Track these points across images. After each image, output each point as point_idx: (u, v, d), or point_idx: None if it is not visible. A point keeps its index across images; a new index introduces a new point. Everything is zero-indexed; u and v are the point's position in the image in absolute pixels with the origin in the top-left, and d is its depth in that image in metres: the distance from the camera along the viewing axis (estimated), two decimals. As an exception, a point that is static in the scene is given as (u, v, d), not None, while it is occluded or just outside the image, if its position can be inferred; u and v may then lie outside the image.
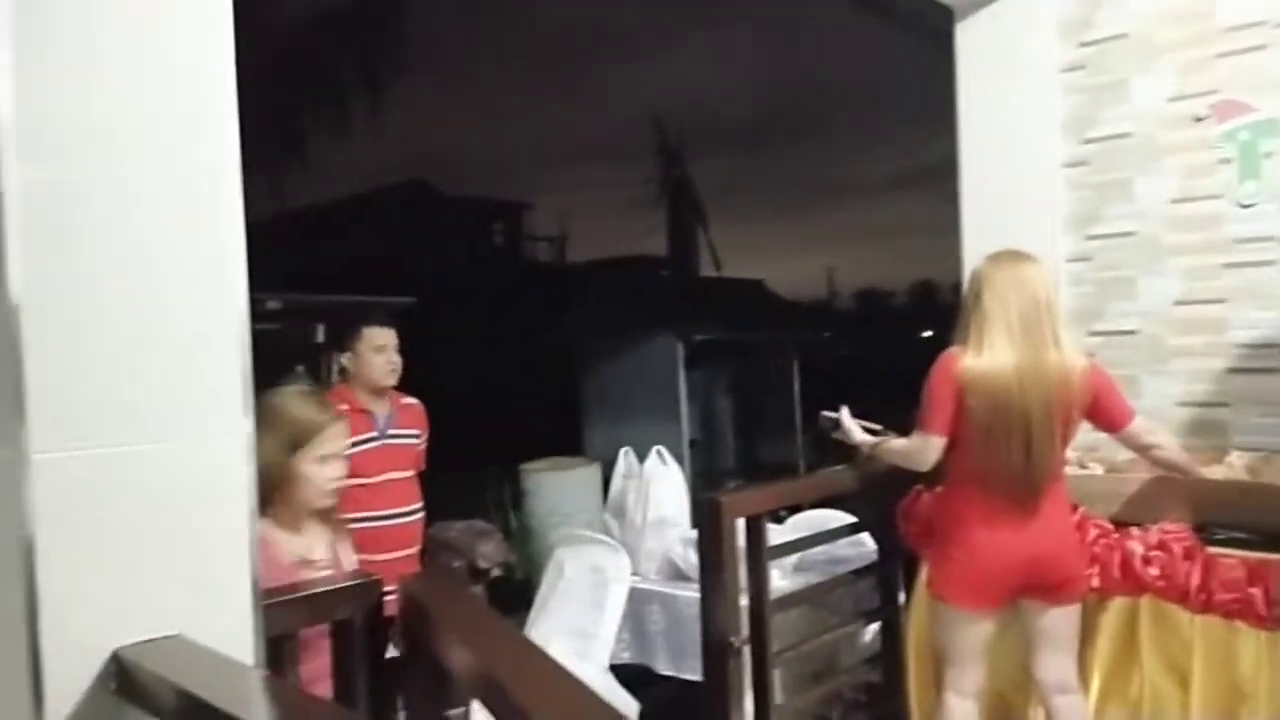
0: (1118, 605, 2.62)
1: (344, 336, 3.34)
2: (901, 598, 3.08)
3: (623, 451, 3.98)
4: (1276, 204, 2.99)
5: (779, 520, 3.49)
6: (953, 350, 2.53)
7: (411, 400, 3.44)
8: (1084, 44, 3.38)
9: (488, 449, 8.73)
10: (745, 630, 2.64)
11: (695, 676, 2.92)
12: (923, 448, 2.57)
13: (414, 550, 3.26)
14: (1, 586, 1.28)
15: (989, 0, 3.53)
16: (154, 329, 1.39)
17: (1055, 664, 2.56)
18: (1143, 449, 2.66)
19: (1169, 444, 2.68)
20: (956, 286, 3.09)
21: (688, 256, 22.54)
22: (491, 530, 4.03)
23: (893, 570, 3.08)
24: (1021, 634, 2.63)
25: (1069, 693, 2.56)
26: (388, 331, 3.32)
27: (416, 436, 3.41)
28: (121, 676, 1.32)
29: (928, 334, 17.33)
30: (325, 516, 2.11)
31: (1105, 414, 2.57)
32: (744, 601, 2.67)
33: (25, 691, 1.26)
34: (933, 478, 2.72)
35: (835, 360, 16.66)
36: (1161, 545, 2.52)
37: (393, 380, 3.30)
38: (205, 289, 1.44)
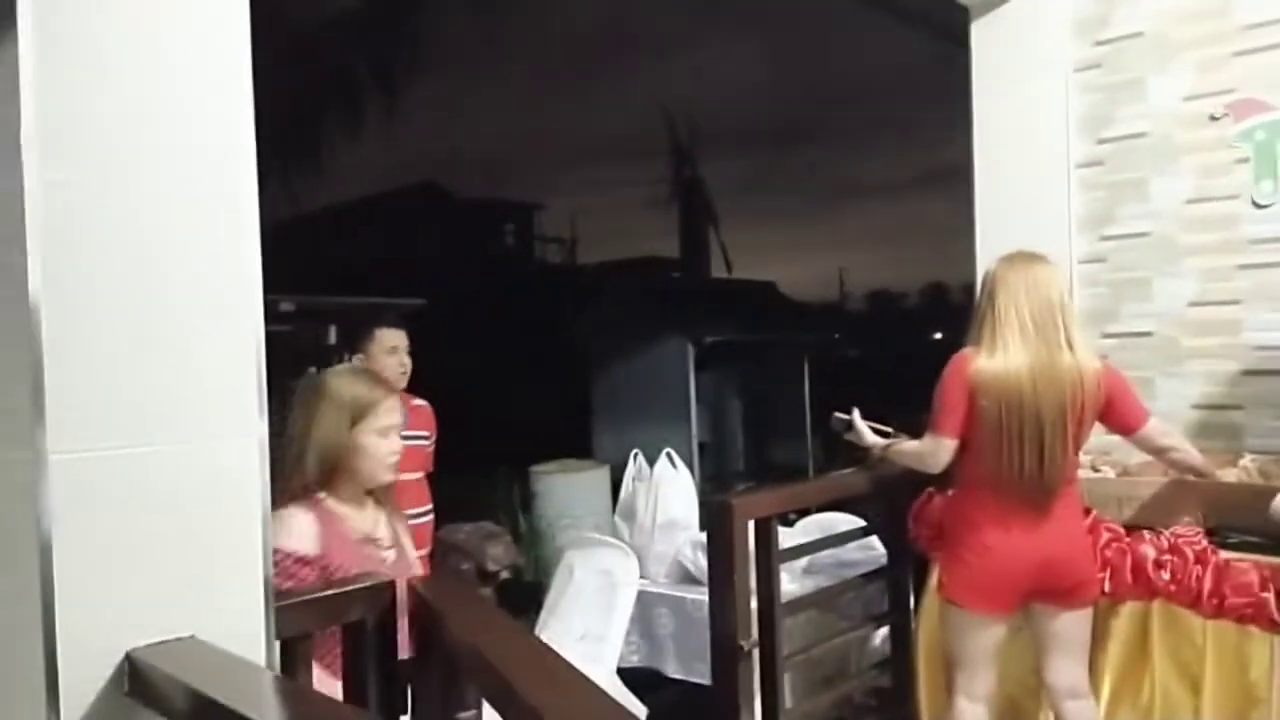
0: (1129, 610, 2.60)
1: (356, 338, 3.36)
2: (912, 602, 3.07)
3: (633, 454, 3.98)
4: (1292, 205, 2.97)
5: (788, 523, 3.48)
6: (965, 351, 2.52)
7: (421, 402, 3.45)
8: (1099, 43, 3.37)
9: (497, 451, 8.75)
10: (755, 634, 2.63)
11: (704, 680, 2.92)
12: (934, 450, 2.56)
13: (424, 552, 3.27)
14: (18, 587, 1.28)
15: None
16: (171, 330, 1.39)
17: (1066, 668, 2.55)
18: (1159, 451, 2.65)
19: (1185, 446, 2.66)
20: (969, 288, 3.08)
21: (699, 258, 22.51)
22: (500, 532, 4.03)
23: (903, 574, 3.07)
24: (1032, 638, 2.62)
25: (1080, 697, 2.55)
26: (399, 333, 3.34)
27: (426, 438, 3.42)
28: (134, 678, 1.33)
29: (938, 336, 17.29)
30: (383, 496, 2.14)
31: (1120, 416, 2.56)
32: (753, 605, 2.66)
33: (40, 692, 1.26)
34: (944, 480, 2.71)
35: (846, 362, 16.64)
36: (1174, 549, 2.50)
37: (403, 382, 3.31)
38: (222, 291, 1.44)
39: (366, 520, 2.07)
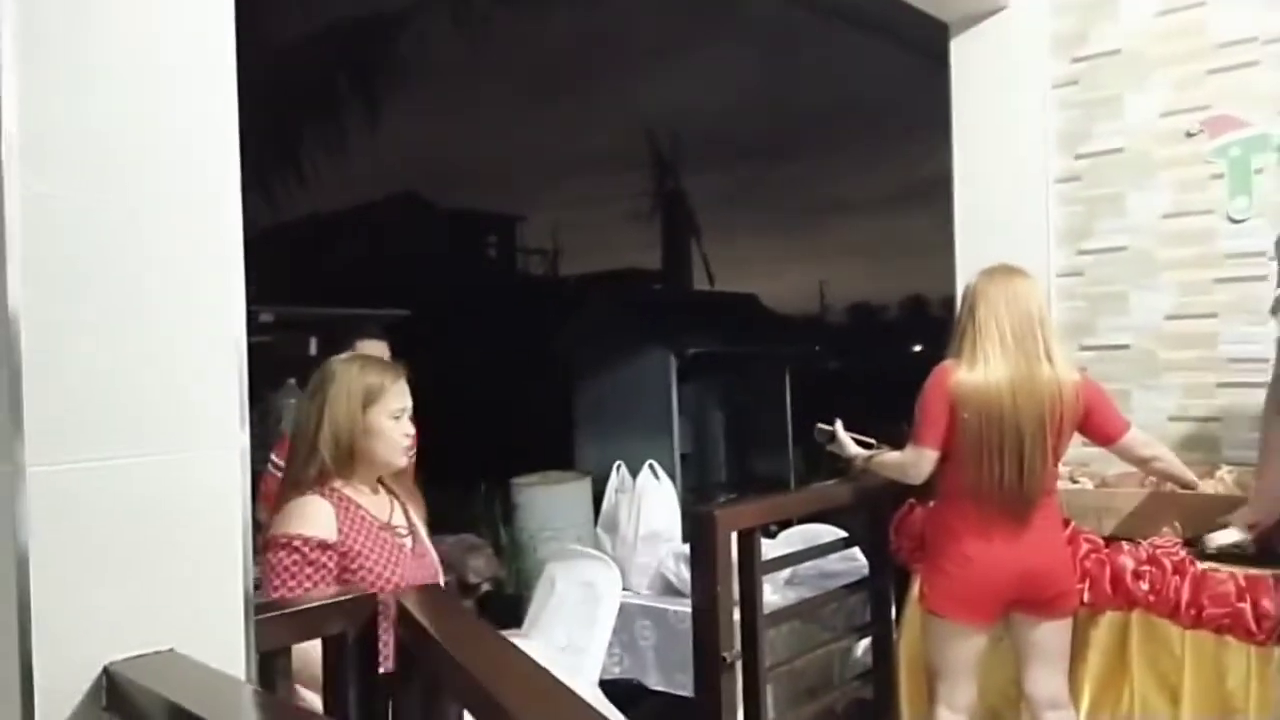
0: (1108, 620, 2.62)
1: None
2: (893, 613, 3.08)
3: (615, 466, 3.98)
4: (1267, 219, 3.02)
5: (770, 535, 3.49)
6: (946, 364, 2.54)
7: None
8: (1077, 59, 3.41)
9: (479, 463, 8.71)
10: (737, 645, 2.63)
11: (687, 692, 2.92)
12: (916, 461, 2.58)
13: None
14: (-7, 600, 1.27)
15: (983, 16, 3.57)
16: (152, 341, 1.38)
17: (1046, 679, 2.56)
18: (1140, 461, 2.68)
19: (1167, 455, 2.69)
20: (949, 301, 3.11)
21: (681, 270, 22.55)
22: (482, 545, 4.03)
23: (884, 585, 3.08)
24: (1013, 648, 2.63)
25: (1060, 708, 2.56)
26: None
27: (408, 449, 3.39)
28: (113, 691, 1.31)
29: (919, 348, 17.38)
30: (397, 484, 2.15)
31: (1099, 427, 2.59)
32: (736, 616, 2.67)
33: (16, 706, 1.25)
34: (925, 491, 2.72)
35: (827, 374, 16.70)
36: (1152, 560, 2.53)
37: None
38: (204, 302, 1.43)
39: (383, 507, 2.08)
